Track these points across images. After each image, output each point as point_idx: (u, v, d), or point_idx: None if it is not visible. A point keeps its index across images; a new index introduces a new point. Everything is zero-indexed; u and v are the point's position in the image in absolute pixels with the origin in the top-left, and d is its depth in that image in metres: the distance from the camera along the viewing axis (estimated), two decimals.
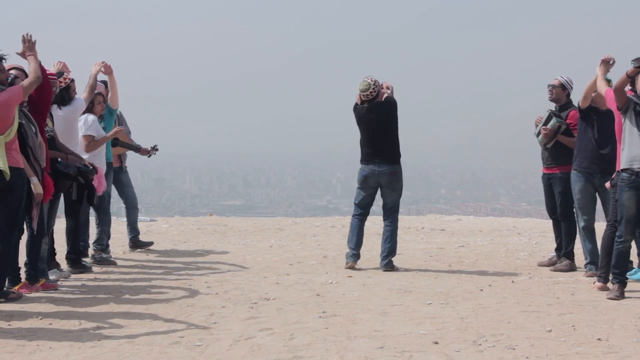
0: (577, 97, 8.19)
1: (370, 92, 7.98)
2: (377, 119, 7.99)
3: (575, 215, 7.95)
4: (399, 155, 8.14)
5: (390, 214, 8.19)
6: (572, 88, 8.17)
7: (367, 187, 8.19)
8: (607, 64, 7.16)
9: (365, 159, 8.16)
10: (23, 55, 6.40)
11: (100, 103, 8.23)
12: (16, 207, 6.16)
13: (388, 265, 8.01)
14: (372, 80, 8.01)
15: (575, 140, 7.89)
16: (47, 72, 7.16)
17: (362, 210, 8.25)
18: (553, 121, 7.96)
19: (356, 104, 8.12)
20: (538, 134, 8.14)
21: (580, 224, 7.77)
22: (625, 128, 6.60)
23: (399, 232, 8.93)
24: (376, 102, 8.01)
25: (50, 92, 6.82)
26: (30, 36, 6.42)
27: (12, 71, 6.51)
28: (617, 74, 6.75)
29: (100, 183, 7.73)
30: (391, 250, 8.07)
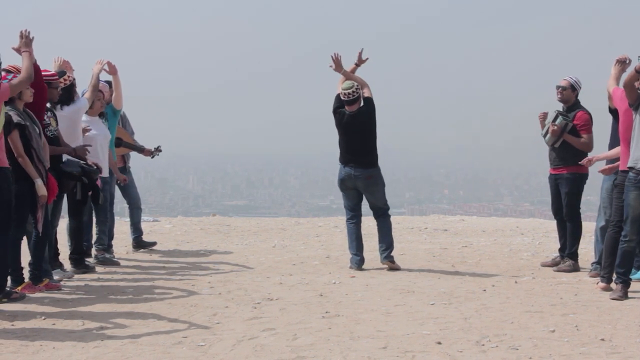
0: (584, 98, 8.18)
1: (353, 92, 7.99)
2: (357, 126, 8.03)
3: (597, 213, 7.86)
4: (376, 158, 8.17)
5: (380, 215, 8.22)
6: (580, 88, 8.16)
7: (347, 189, 8.25)
8: (623, 63, 7.15)
9: (342, 161, 8.22)
10: (18, 51, 6.33)
11: (100, 100, 8.20)
12: (5, 209, 6.05)
13: (389, 257, 8.01)
14: (355, 85, 8.04)
15: (581, 141, 7.90)
16: (48, 72, 7.18)
17: (353, 213, 8.27)
18: (560, 119, 7.97)
19: (337, 108, 8.12)
20: (545, 134, 8.13)
21: (600, 223, 7.70)
22: (635, 126, 6.58)
23: (402, 232, 9.03)
24: (357, 110, 8.03)
25: (46, 92, 6.77)
26: (29, 33, 6.35)
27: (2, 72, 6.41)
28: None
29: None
30: (389, 244, 8.08)
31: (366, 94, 8.10)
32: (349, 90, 8.00)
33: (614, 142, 7.54)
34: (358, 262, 8.07)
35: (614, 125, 7.58)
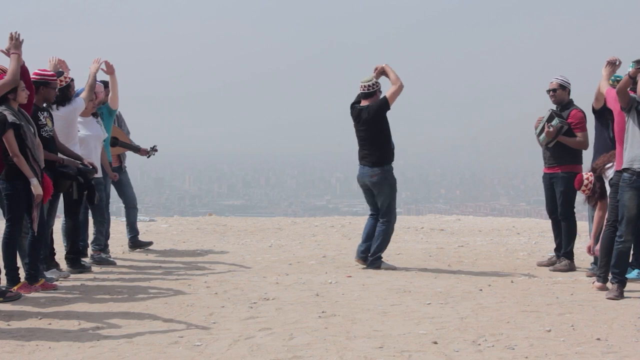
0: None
1: (369, 85, 8.03)
2: (364, 121, 8.03)
3: (587, 214, 7.93)
4: (384, 159, 8.05)
5: (384, 215, 8.21)
6: (569, 84, 8.19)
7: (361, 187, 8.32)
8: (613, 65, 7.20)
9: (358, 158, 8.32)
10: (7, 53, 6.29)
11: (92, 100, 8.18)
12: None
13: (372, 264, 8.03)
14: (375, 80, 8.09)
15: (576, 140, 7.93)
16: (47, 72, 7.16)
17: (372, 208, 8.33)
18: (556, 120, 7.97)
19: (352, 104, 8.19)
20: (540, 133, 8.12)
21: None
22: (628, 128, 6.61)
23: (399, 231, 9.02)
24: (367, 105, 8.04)
25: (33, 94, 6.72)
26: (18, 35, 6.31)
27: None
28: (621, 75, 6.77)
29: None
30: (379, 248, 8.10)
31: (387, 94, 8.03)
32: (366, 84, 8.06)
33: (598, 143, 7.60)
34: (360, 251, 8.13)
35: (597, 127, 7.65)
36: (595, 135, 7.74)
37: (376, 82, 8.08)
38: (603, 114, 7.57)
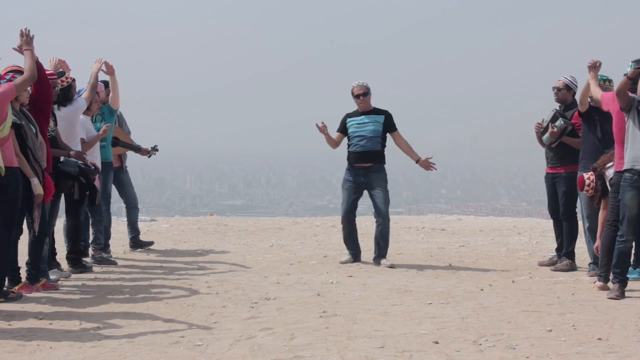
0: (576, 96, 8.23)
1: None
2: None
3: (581, 215, 7.96)
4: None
5: None
6: (576, 87, 8.18)
7: None
8: (594, 68, 7.22)
9: None
10: (20, 50, 6.30)
11: (97, 102, 8.20)
12: (12, 207, 6.10)
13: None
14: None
15: (580, 142, 7.93)
16: (47, 71, 7.16)
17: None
18: (560, 121, 7.96)
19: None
20: (544, 132, 8.11)
21: (586, 224, 7.77)
22: (629, 128, 6.60)
23: (400, 231, 9.04)
24: None
25: (51, 89, 6.77)
26: (29, 31, 6.31)
27: (10, 73, 6.40)
28: (617, 74, 6.79)
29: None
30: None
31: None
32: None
33: (586, 145, 7.60)
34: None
35: (584, 130, 7.66)
36: (582, 136, 7.77)
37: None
38: (590, 115, 7.60)
